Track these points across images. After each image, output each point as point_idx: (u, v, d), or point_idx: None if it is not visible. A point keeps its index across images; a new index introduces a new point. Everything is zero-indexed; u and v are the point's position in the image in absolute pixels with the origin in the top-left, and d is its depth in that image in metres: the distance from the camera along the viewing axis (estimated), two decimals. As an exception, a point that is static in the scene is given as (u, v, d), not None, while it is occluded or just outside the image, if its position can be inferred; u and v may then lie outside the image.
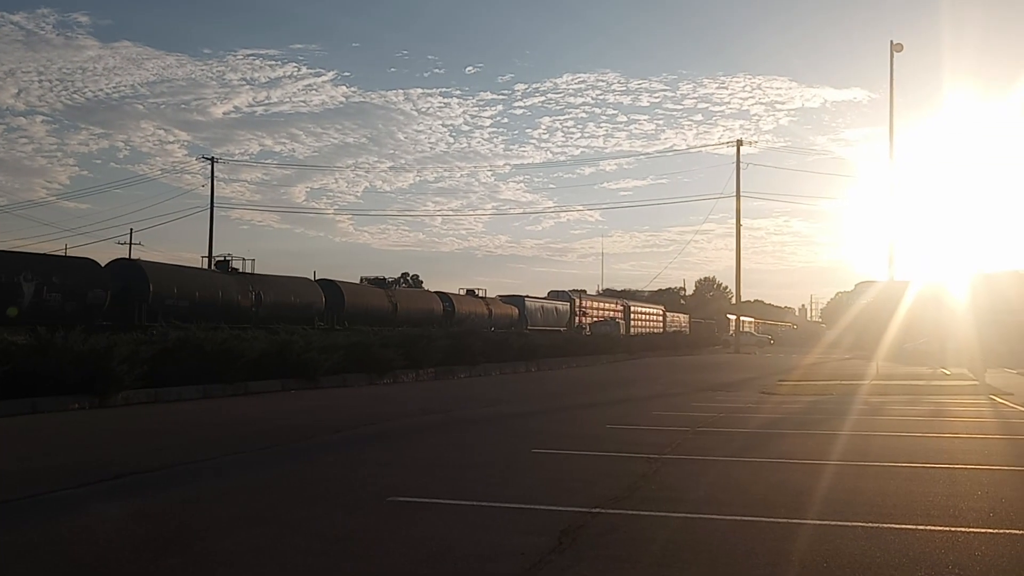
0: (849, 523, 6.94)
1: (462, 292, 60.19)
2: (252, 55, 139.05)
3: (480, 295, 61.56)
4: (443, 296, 56.00)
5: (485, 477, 9.36)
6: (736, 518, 7.22)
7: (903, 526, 6.90)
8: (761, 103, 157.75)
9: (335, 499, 7.98)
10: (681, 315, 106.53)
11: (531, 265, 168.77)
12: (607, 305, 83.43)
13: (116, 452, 11.07)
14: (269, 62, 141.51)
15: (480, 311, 57.81)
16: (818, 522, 7.03)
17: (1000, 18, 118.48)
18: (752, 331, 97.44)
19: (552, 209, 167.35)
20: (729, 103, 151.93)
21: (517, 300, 65.08)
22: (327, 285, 44.41)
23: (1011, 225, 70.06)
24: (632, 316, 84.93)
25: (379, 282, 52.92)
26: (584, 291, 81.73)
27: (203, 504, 7.77)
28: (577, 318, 73.10)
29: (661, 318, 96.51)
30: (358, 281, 54.03)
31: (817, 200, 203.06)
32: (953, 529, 6.77)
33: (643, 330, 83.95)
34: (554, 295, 73.41)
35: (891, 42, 40.29)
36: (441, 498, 8.06)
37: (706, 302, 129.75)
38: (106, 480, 8.79)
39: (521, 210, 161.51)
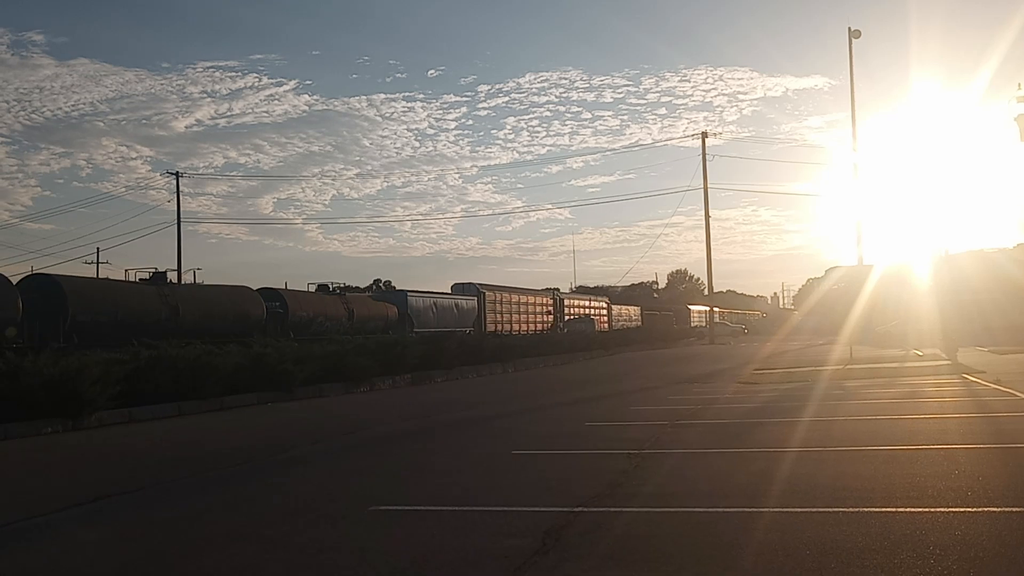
0: (832, 509, 6.98)
1: (312, 288, 48.21)
2: (212, 67, 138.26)
3: (337, 290, 49.92)
4: (271, 294, 42.13)
5: (466, 481, 9.34)
6: (719, 510, 7.25)
7: (884, 509, 6.95)
8: (724, 94, 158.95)
9: (317, 511, 7.91)
10: (630, 307, 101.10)
11: (503, 266, 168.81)
12: (533, 299, 73.59)
13: (91, 474, 10.93)
14: (229, 73, 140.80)
15: (333, 312, 45.57)
16: (801, 509, 7.07)
17: (963, 4, 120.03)
18: (726, 321, 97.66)
19: (521, 209, 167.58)
20: (692, 95, 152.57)
21: (396, 296, 54.57)
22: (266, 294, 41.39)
23: (973, 207, 70.97)
24: (565, 311, 77.85)
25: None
26: (496, 285, 69.62)
27: (182, 523, 7.68)
28: (487, 315, 63.24)
29: (605, 312, 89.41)
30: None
31: (784, 188, 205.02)
32: (933, 510, 6.83)
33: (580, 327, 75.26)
34: (458, 289, 63.30)
35: (849, 28, 40.73)
36: (423, 505, 8.02)
37: (678, 294, 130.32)
38: (83, 504, 8.66)
39: (490, 211, 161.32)
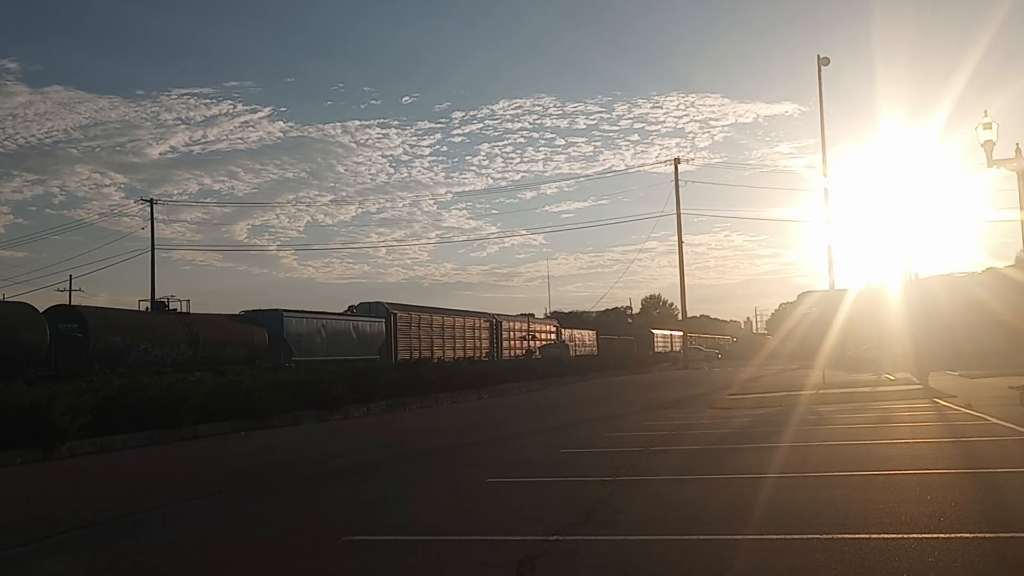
0: (807, 536, 7.00)
1: (171, 303, 41.61)
2: (186, 94, 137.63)
3: (178, 310, 40.86)
4: (65, 313, 33.97)
5: (441, 510, 9.28)
6: (693, 537, 7.25)
7: (859, 535, 6.97)
8: (696, 120, 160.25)
9: (290, 542, 7.83)
10: (584, 332, 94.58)
11: (478, 291, 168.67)
12: (461, 322, 64.54)
13: (62, 506, 10.77)
14: (204, 100, 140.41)
15: (165, 337, 36.34)
16: (777, 536, 7.08)
17: (929, 31, 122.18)
18: (700, 346, 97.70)
19: (496, 235, 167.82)
20: (664, 122, 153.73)
21: (268, 318, 43.37)
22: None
23: (941, 231, 71.78)
24: (504, 335, 69.79)
25: None
26: (411, 305, 60.46)
27: (154, 555, 7.58)
28: (399, 340, 55.20)
29: (553, 336, 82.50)
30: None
31: (756, 213, 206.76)
32: (906, 536, 6.86)
33: (522, 354, 69.33)
34: (363, 309, 54.03)
35: (818, 56, 41.14)
36: (397, 534, 7.96)
37: (652, 319, 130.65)
38: (53, 536, 8.53)
39: (465, 237, 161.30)
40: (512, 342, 71.73)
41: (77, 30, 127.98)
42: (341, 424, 23.09)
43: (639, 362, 72.34)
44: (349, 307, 55.43)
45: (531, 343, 75.21)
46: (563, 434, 17.79)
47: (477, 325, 66.14)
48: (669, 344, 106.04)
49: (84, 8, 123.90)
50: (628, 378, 52.77)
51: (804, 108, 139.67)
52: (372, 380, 27.85)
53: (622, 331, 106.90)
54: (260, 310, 44.96)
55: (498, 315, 71.06)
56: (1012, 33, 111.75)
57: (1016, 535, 6.87)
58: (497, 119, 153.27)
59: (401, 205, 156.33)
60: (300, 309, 47.24)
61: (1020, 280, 27.11)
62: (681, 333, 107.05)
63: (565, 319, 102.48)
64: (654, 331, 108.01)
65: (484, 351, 65.38)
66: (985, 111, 21.01)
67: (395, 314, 55.13)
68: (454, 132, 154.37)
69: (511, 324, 73.23)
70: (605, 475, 10.97)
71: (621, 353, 79.49)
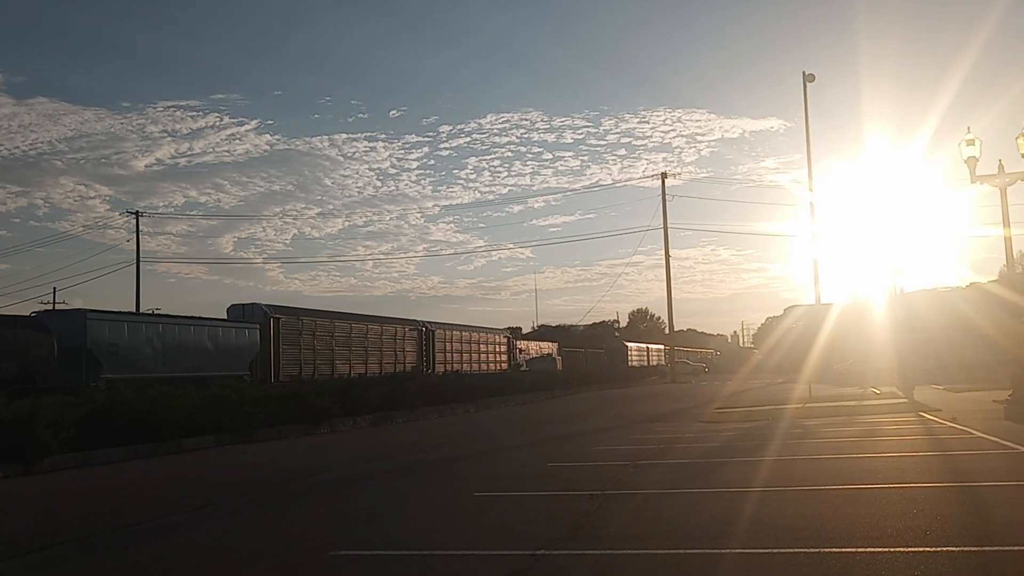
0: (793, 550, 7.00)
1: None
2: (172, 107, 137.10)
3: None
4: None
5: (427, 525, 9.24)
6: (680, 551, 7.24)
7: (844, 549, 6.98)
8: (682, 135, 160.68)
9: (275, 557, 7.78)
10: (543, 344, 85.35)
11: (465, 305, 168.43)
12: (378, 329, 51.55)
13: (44, 521, 10.67)
14: (190, 113, 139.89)
15: None
16: (763, 551, 7.08)
17: (914, 50, 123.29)
18: (687, 360, 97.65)
19: (483, 248, 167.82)
20: (651, 137, 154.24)
21: (63, 320, 32.79)
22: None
23: (926, 246, 72.32)
24: (438, 346, 58.68)
25: None
26: (301, 308, 47.61)
27: (138, 571, 7.51)
28: (283, 351, 42.14)
29: (504, 348, 71.37)
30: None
31: (742, 228, 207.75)
32: (892, 550, 6.87)
33: (463, 368, 59.33)
34: (236, 312, 42.38)
35: (804, 72, 41.46)
36: (383, 549, 7.92)
37: (639, 333, 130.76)
38: (34, 551, 8.45)
39: (452, 250, 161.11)
40: (451, 355, 60.13)
41: (63, 42, 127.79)
42: (327, 438, 22.98)
43: (625, 376, 72.17)
44: (227, 309, 43.82)
45: (519, 354, 74.55)
46: (550, 448, 17.76)
47: (400, 333, 54.23)
48: (646, 357, 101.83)
49: (70, 20, 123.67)
50: (616, 392, 52.77)
51: (790, 124, 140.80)
52: (359, 394, 27.77)
53: (576, 343, 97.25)
54: (53, 310, 38.64)
55: (430, 322, 59.21)
56: (996, 52, 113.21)
57: (1001, 549, 6.89)
58: (485, 133, 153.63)
59: (388, 218, 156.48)
60: (122, 311, 37.53)
61: (1003, 295, 27.28)
62: (661, 346, 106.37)
63: (552, 332, 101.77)
64: (628, 344, 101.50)
65: (410, 365, 53.42)
66: (968, 128, 21.18)
67: (277, 319, 42.36)
68: (441, 146, 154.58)
69: (447, 333, 61.09)
70: (592, 489, 10.95)
71: (583, 370, 69.34)
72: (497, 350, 69.87)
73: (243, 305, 43.18)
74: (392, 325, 53.82)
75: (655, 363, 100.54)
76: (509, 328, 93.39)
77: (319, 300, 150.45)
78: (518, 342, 77.82)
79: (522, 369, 66.41)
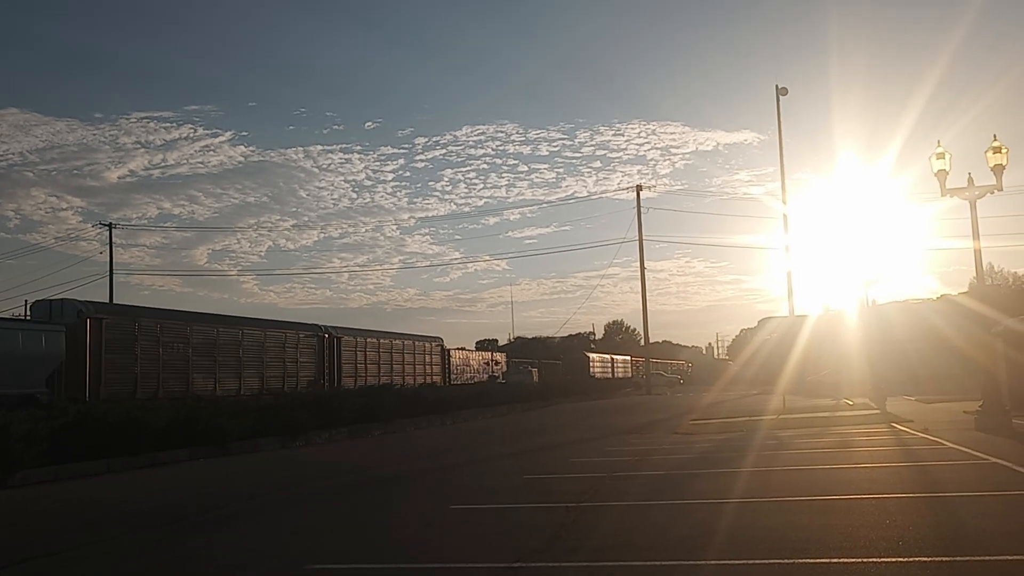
0: (769, 560, 7.07)
1: None
2: (146, 117, 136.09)
3: None
4: None
5: (404, 538, 9.24)
6: (656, 563, 7.29)
7: (819, 560, 7.05)
8: (657, 148, 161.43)
9: (251, 571, 7.76)
10: (482, 354, 78.96)
11: (441, 317, 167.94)
12: (237, 333, 40.96)
13: (12, 536, 10.55)
14: (164, 124, 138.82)
15: None
16: (739, 562, 7.14)
17: (884, 64, 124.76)
18: (662, 372, 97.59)
19: (459, 260, 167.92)
20: (626, 149, 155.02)
21: None
22: None
23: (896, 258, 73.08)
24: (345, 355, 50.07)
25: None
26: (133, 306, 38.87)
27: (112, 586, 7.47)
28: (100, 363, 32.33)
29: (436, 359, 63.30)
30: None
31: (717, 240, 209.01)
32: (866, 560, 6.96)
33: (374, 380, 49.28)
34: (40, 310, 34.86)
35: (777, 86, 41.96)
36: (361, 563, 7.92)
37: (614, 344, 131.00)
38: (4, 568, 8.36)
39: (428, 262, 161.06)
40: (364, 367, 51.63)
41: (33, 52, 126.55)
42: (303, 451, 22.87)
43: (599, 388, 72.06)
44: (32, 306, 35.89)
45: (493, 367, 74.29)
46: (527, 460, 17.78)
47: (293, 341, 44.80)
48: (610, 369, 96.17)
49: (42, 31, 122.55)
50: (592, 404, 52.80)
51: (763, 136, 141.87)
52: (335, 407, 27.66)
53: (525, 353, 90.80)
54: None
55: (335, 328, 50.27)
56: (963, 66, 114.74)
57: (972, 558, 6.99)
58: (460, 145, 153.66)
59: (364, 230, 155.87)
60: None
61: (973, 307, 27.63)
62: (628, 357, 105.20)
63: (529, 344, 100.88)
64: (590, 355, 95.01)
65: (305, 379, 45.62)
66: (939, 141, 21.46)
67: (99, 320, 33.35)
68: (417, 157, 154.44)
69: (355, 340, 51.77)
70: (569, 501, 10.98)
71: (561, 382, 65.04)
72: (428, 360, 61.66)
73: (51, 301, 34.70)
74: (280, 330, 44.72)
75: (621, 374, 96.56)
76: (517, 340, 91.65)
77: (295, 312, 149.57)
78: (459, 353, 70.58)
79: (498, 381, 66.36)
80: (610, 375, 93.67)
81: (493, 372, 72.54)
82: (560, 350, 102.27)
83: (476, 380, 64.28)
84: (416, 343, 60.52)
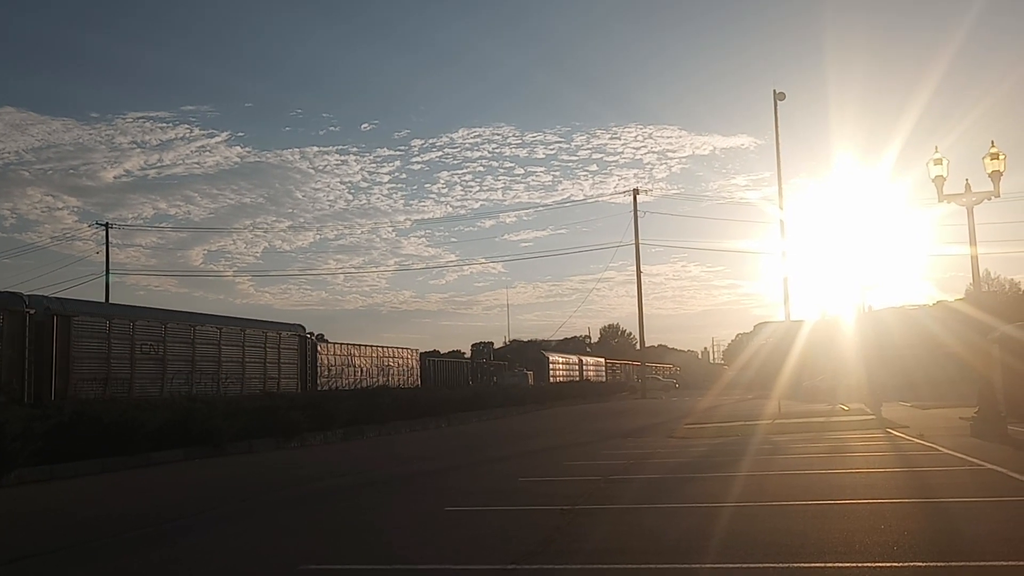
0: (764, 565, 7.06)
1: None
2: (142, 118, 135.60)
3: None
4: None
5: (399, 539, 9.21)
6: (651, 566, 7.27)
7: (814, 564, 7.04)
8: (653, 152, 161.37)
9: (245, 572, 7.73)
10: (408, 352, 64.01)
11: (437, 319, 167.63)
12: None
13: (6, 536, 10.52)
14: (160, 124, 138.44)
15: None
16: (734, 566, 7.12)
17: (882, 69, 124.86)
18: (658, 375, 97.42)
19: (455, 263, 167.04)
20: (623, 153, 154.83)
21: None
22: None
23: (893, 264, 73.23)
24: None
25: None
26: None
27: (105, 586, 7.44)
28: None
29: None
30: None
31: (713, 244, 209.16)
32: (861, 565, 6.95)
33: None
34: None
35: (774, 91, 41.89)
36: (354, 564, 7.89)
37: (609, 349, 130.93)
38: (-2, 567, 8.34)
39: (424, 265, 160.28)
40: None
41: (30, 51, 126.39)
42: (298, 452, 22.84)
43: (598, 392, 71.93)
44: None
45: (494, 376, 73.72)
46: (522, 462, 17.76)
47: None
48: (578, 372, 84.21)
49: (38, 30, 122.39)
50: (588, 407, 52.81)
51: (760, 141, 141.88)
52: (330, 408, 27.63)
53: (481, 358, 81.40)
54: None
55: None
56: (961, 72, 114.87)
57: (967, 564, 6.98)
58: (456, 147, 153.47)
59: (359, 232, 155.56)
60: None
61: (969, 313, 27.68)
62: (601, 359, 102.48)
63: (524, 347, 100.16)
64: (549, 355, 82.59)
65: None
66: (936, 147, 21.51)
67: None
68: (413, 160, 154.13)
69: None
70: (564, 504, 10.96)
71: (556, 386, 61.38)
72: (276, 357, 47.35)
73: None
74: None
75: (592, 378, 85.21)
76: (512, 343, 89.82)
77: (290, 314, 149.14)
78: (394, 356, 55.83)
79: (494, 381, 66.36)
80: (578, 378, 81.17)
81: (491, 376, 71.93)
82: (557, 352, 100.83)
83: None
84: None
